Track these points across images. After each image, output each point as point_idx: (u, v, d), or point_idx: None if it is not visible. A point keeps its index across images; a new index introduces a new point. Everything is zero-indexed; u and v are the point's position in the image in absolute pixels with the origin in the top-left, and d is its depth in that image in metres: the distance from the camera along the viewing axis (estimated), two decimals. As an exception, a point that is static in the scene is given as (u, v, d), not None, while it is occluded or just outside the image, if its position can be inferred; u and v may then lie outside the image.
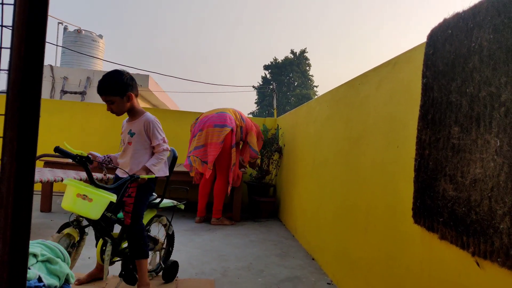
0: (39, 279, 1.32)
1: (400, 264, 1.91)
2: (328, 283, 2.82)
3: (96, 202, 2.04)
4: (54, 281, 1.35)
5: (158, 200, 2.62)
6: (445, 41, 1.56)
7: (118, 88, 2.34)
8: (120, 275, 2.40)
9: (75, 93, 11.53)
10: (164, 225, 2.75)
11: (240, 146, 5.10)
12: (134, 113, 2.46)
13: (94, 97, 11.28)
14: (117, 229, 2.40)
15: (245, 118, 5.00)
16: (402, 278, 1.89)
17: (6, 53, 0.77)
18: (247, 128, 4.95)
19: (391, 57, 2.23)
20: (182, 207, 2.80)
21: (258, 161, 5.56)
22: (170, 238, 2.78)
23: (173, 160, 2.66)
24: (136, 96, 2.47)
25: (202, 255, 3.32)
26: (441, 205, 1.54)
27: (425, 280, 1.68)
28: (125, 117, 2.54)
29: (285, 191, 4.99)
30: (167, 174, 2.57)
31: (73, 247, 2.15)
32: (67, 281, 1.41)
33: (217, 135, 4.55)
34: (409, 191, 1.82)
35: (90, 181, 2.20)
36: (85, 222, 2.28)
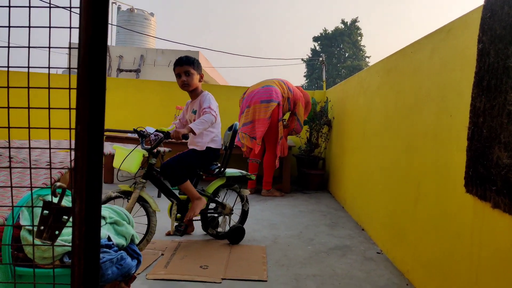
0: (109, 239, 1.48)
1: (450, 234, 1.89)
2: (378, 252, 2.84)
3: (130, 157, 2.54)
4: (122, 241, 1.50)
5: (221, 169, 2.95)
6: (503, 3, 1.48)
7: (198, 65, 2.81)
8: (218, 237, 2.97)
9: (130, 71, 12.01)
10: (241, 200, 3.11)
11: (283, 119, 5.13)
12: (197, 93, 2.85)
13: (148, 75, 11.72)
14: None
15: (292, 88, 4.96)
16: (451, 247, 1.87)
17: (74, 33, 0.86)
18: (295, 98, 4.92)
19: (445, 24, 2.14)
20: (253, 177, 3.16)
21: (314, 138, 5.54)
22: (244, 212, 3.13)
23: (233, 133, 2.86)
24: (203, 79, 2.89)
25: (253, 224, 3.45)
26: (494, 173, 1.51)
27: (476, 249, 1.66)
28: (187, 98, 2.96)
29: (334, 163, 4.99)
30: (219, 147, 2.81)
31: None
32: (132, 241, 1.56)
33: (264, 111, 4.59)
34: (461, 160, 1.78)
35: (146, 149, 2.66)
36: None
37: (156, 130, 2.66)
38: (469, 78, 1.76)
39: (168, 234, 3.01)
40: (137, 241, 1.58)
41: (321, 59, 10.20)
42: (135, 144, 2.71)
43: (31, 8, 0.98)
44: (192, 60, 2.76)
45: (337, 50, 35.48)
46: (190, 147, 2.81)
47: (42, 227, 0.95)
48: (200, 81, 2.81)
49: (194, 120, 2.77)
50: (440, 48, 2.16)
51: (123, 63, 12.34)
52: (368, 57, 35.83)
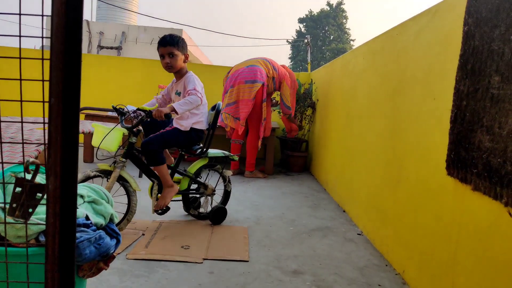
0: (87, 218, 1.44)
1: (431, 215, 1.92)
2: (358, 234, 2.88)
3: (110, 136, 2.48)
4: (100, 220, 1.46)
5: (203, 149, 2.90)
6: (490, -16, 1.46)
7: (182, 45, 2.69)
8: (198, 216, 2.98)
9: (111, 48, 11.71)
10: (224, 181, 3.08)
11: (273, 98, 5.08)
12: (181, 74, 2.76)
13: (129, 52, 11.44)
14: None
15: (277, 67, 4.88)
16: (431, 228, 1.90)
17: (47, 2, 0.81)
18: (280, 77, 4.84)
19: (432, 5, 2.12)
20: (236, 158, 3.12)
21: (297, 120, 5.52)
22: (226, 193, 3.11)
23: (216, 113, 2.81)
24: (188, 58, 2.79)
25: (236, 205, 3.45)
26: (475, 157, 1.52)
27: (455, 230, 1.69)
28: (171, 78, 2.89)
29: (318, 146, 5.01)
30: (203, 128, 2.76)
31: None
32: (111, 220, 1.52)
33: (248, 92, 4.54)
34: (443, 143, 1.80)
35: (126, 127, 2.62)
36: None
37: (138, 109, 2.59)
38: (453, 61, 1.76)
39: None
40: (116, 221, 1.54)
41: (306, 40, 10.13)
42: (116, 123, 2.63)
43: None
44: (176, 40, 2.64)
45: (322, 33, 35.31)
46: (175, 125, 2.75)
47: (14, 205, 0.91)
48: (185, 61, 2.72)
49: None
50: (425, 30, 2.15)
51: (104, 39, 12.02)
52: (353, 40, 35.80)
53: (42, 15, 0.85)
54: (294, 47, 34.06)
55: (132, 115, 2.58)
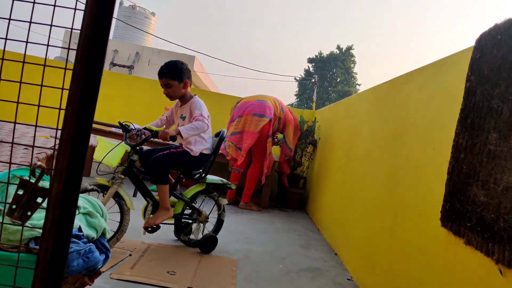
0: (79, 229, 1.44)
1: (422, 265, 1.91)
2: (348, 279, 2.84)
3: (113, 151, 2.48)
4: (92, 233, 1.46)
5: (202, 175, 2.92)
6: (493, 46, 1.53)
7: (178, 74, 2.68)
8: (192, 245, 2.94)
9: (124, 66, 11.93)
10: (218, 209, 3.08)
11: (276, 136, 5.15)
12: (186, 99, 2.80)
13: (141, 72, 11.64)
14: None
15: (285, 109, 5.00)
16: (422, 278, 1.89)
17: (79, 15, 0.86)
18: (285, 120, 4.96)
19: (437, 59, 2.20)
20: (233, 187, 3.09)
21: (298, 157, 5.57)
22: (219, 221, 3.10)
23: (219, 140, 2.85)
24: (190, 85, 2.80)
25: (227, 235, 3.42)
26: (470, 210, 1.53)
27: (446, 282, 1.68)
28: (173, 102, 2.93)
29: (315, 184, 5.01)
30: (205, 153, 2.79)
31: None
32: (103, 234, 1.52)
33: (255, 124, 4.59)
34: (439, 193, 1.81)
35: (130, 145, 2.64)
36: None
37: (145, 128, 2.63)
38: (454, 114, 1.81)
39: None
40: (108, 236, 1.54)
41: (313, 80, 10.32)
42: (118, 139, 2.66)
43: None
44: (170, 71, 2.66)
45: (329, 74, 36.00)
46: (185, 148, 2.77)
47: (14, 206, 0.93)
48: (185, 88, 2.74)
49: (182, 126, 2.75)
50: (430, 82, 2.22)
51: (117, 57, 12.27)
52: (359, 85, 36.45)
53: (72, 28, 0.89)
54: (301, 85, 34.64)
55: (137, 133, 2.61)
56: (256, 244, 3.35)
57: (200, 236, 2.97)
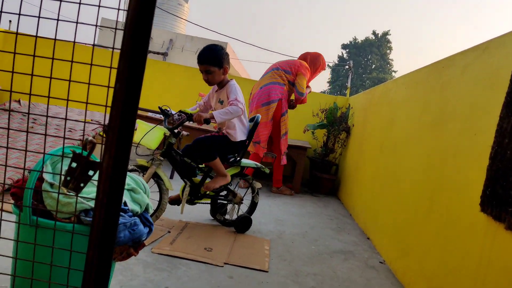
0: (125, 204, 1.52)
1: (458, 251, 1.89)
2: (380, 262, 2.84)
3: (151, 134, 2.60)
4: (136, 208, 1.54)
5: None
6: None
7: (218, 60, 2.70)
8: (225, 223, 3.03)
9: (158, 53, 12.14)
10: (252, 192, 3.14)
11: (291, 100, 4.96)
12: (223, 84, 2.83)
13: (175, 59, 11.81)
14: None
15: (291, 67, 4.75)
16: (458, 265, 1.87)
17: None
18: (296, 72, 4.73)
19: (482, 42, 2.12)
20: (267, 171, 3.14)
21: (330, 143, 5.48)
22: (253, 204, 3.18)
23: (254, 125, 2.90)
24: (228, 70, 2.81)
25: (260, 217, 3.47)
26: (512, 195, 1.50)
27: (483, 268, 1.66)
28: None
29: (348, 171, 4.98)
30: (243, 138, 2.84)
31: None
32: (146, 210, 1.60)
33: (266, 114, 4.53)
34: (480, 179, 1.77)
35: (167, 128, 2.71)
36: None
37: (180, 111, 2.70)
38: (499, 98, 1.75)
39: (172, 200, 2.95)
40: (151, 211, 1.62)
41: (348, 66, 10.15)
42: (155, 124, 2.75)
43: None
44: (211, 58, 2.68)
45: (364, 60, 35.19)
46: (225, 132, 2.85)
47: (68, 178, 0.99)
48: (224, 74, 2.77)
49: None
50: (473, 66, 2.15)
51: (152, 44, 12.49)
52: (395, 72, 35.47)
53: (118, 9, 0.94)
54: (334, 72, 34.09)
55: (176, 117, 2.68)
56: (289, 226, 3.39)
57: (234, 216, 3.05)
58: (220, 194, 2.99)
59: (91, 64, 1.02)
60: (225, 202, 3.03)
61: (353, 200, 4.36)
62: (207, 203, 3.00)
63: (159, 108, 2.76)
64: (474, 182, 1.84)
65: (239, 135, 2.84)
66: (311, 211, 4.12)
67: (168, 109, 2.77)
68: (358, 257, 2.89)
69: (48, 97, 1.04)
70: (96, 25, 1.11)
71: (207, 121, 2.59)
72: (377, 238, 3.23)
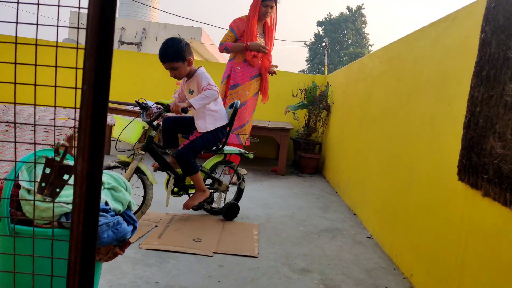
0: (106, 203, 1.51)
1: (441, 219, 1.94)
2: (367, 237, 2.90)
3: (130, 128, 2.58)
4: (118, 206, 1.53)
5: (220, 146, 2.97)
6: (509, -7, 1.48)
7: (180, 55, 2.63)
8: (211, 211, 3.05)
9: (132, 43, 11.89)
10: (238, 179, 3.13)
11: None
12: (191, 74, 2.78)
13: (149, 48, 11.60)
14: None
15: (237, 27, 4.26)
16: (441, 233, 1.92)
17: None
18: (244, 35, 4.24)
19: (450, 12, 2.14)
20: (251, 156, 3.12)
21: (312, 122, 5.50)
22: (240, 190, 3.16)
23: (234, 111, 2.87)
24: (193, 59, 2.76)
25: (247, 202, 3.49)
26: (487, 162, 1.54)
27: (464, 234, 1.71)
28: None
29: (331, 148, 5.03)
30: (218, 125, 2.84)
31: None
32: (129, 207, 1.59)
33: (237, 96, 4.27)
34: (455, 148, 1.82)
35: (146, 121, 2.67)
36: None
37: (156, 102, 2.67)
38: (469, 68, 1.78)
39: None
40: (134, 208, 1.61)
41: (324, 43, 10.13)
42: (134, 117, 2.71)
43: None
44: (172, 54, 2.60)
45: (340, 36, 35.18)
46: (200, 130, 2.79)
47: (43, 184, 0.97)
48: (189, 65, 2.71)
49: None
50: (443, 37, 2.17)
51: (124, 35, 12.22)
52: (371, 45, 35.60)
53: (79, 7, 0.91)
54: (311, 50, 34.03)
55: (154, 110, 2.65)
56: (276, 209, 3.42)
57: (222, 204, 3.06)
58: (206, 183, 2.99)
59: (56, 66, 0.99)
60: (211, 191, 3.03)
61: (338, 177, 4.42)
62: (193, 193, 2.99)
63: (136, 101, 2.72)
64: (451, 151, 1.88)
65: (211, 122, 2.78)
66: (297, 192, 4.16)
67: (145, 101, 2.73)
68: (346, 233, 2.94)
69: (15, 103, 1.01)
70: (58, 26, 1.08)
71: (184, 110, 2.57)
72: (363, 213, 3.30)
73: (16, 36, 1.02)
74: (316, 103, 5.38)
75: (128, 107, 4.97)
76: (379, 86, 3.25)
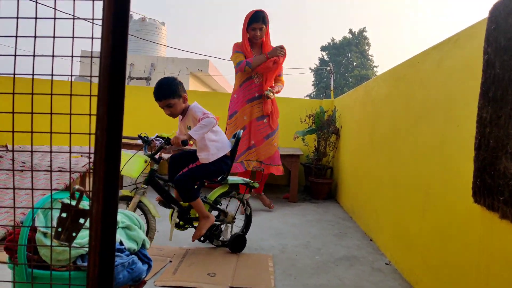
0: (120, 243, 1.51)
1: (459, 243, 1.90)
2: (386, 263, 2.84)
3: (131, 162, 2.57)
4: (133, 245, 1.53)
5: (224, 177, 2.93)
6: (507, 16, 1.50)
7: (175, 92, 2.68)
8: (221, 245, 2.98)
9: (141, 78, 12.16)
10: (243, 205, 3.07)
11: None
12: (185, 111, 2.81)
13: (158, 83, 11.82)
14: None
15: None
16: (460, 256, 1.88)
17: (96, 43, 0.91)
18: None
19: (452, 34, 2.17)
20: (257, 185, 3.06)
21: (322, 147, 5.50)
22: (248, 217, 3.12)
23: (236, 141, 2.87)
24: (187, 96, 2.81)
25: (260, 232, 3.46)
26: (502, 184, 1.52)
27: (485, 258, 1.67)
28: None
29: (343, 172, 4.99)
30: (221, 154, 2.82)
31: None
32: (143, 245, 1.59)
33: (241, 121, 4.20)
34: (469, 170, 1.80)
35: (147, 155, 2.70)
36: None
37: (156, 136, 2.70)
38: (475, 88, 1.78)
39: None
40: (148, 246, 1.61)
41: (329, 68, 10.25)
42: (136, 151, 2.73)
43: (48, 17, 1.02)
44: (169, 92, 2.64)
45: (344, 60, 35.56)
46: (201, 161, 2.78)
47: (60, 229, 0.99)
48: (185, 102, 2.75)
49: None
50: (447, 58, 2.19)
51: (134, 70, 12.51)
52: (376, 67, 35.87)
53: (92, 57, 0.95)
54: (317, 75, 34.37)
55: (157, 143, 2.67)
56: (290, 238, 3.38)
57: (229, 236, 3.01)
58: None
59: (71, 95, 1.03)
60: (218, 223, 2.97)
61: (352, 202, 4.37)
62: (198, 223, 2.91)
63: (139, 136, 2.74)
64: (464, 173, 1.86)
65: (213, 153, 2.75)
66: (311, 219, 4.11)
67: (147, 136, 2.75)
68: (363, 261, 2.89)
69: (31, 132, 1.05)
70: (72, 56, 1.12)
71: (184, 142, 2.58)
72: (379, 239, 3.24)
73: (32, 78, 1.06)
74: (325, 127, 5.39)
75: (140, 142, 5.02)
76: (387, 108, 3.26)
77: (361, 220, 3.86)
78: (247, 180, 3.04)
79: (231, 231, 3.04)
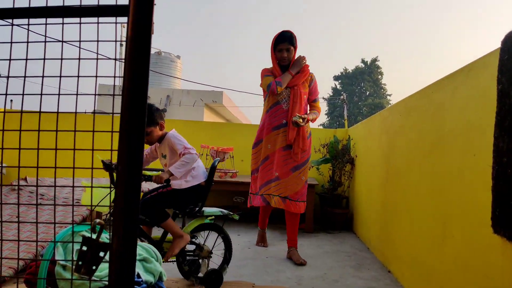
0: (138, 275, 1.52)
1: (479, 274, 1.85)
2: (405, 296, 2.76)
3: (95, 195, 2.30)
4: (150, 278, 1.54)
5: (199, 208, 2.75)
6: (519, 46, 1.52)
7: (152, 120, 2.67)
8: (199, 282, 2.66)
9: (156, 111, 12.40)
10: (219, 234, 2.84)
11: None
12: (162, 137, 2.79)
13: (174, 114, 12.03)
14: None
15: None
16: (483, 290, 1.82)
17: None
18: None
19: (466, 64, 2.19)
20: (237, 217, 2.83)
21: (336, 176, 5.47)
22: (227, 246, 2.85)
23: (211, 170, 2.80)
24: (164, 123, 2.79)
25: (276, 264, 3.42)
26: (522, 214, 1.49)
27: (508, 292, 1.62)
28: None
29: (358, 202, 4.94)
30: (196, 183, 2.72)
31: None
32: (160, 278, 1.59)
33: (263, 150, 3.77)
34: (487, 199, 1.77)
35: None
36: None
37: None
38: (490, 117, 1.78)
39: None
40: (165, 279, 1.61)
41: (342, 97, 10.32)
42: (105, 185, 2.63)
43: (73, 58, 1.09)
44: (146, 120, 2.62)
45: (357, 89, 35.75)
46: (173, 187, 2.68)
47: (80, 262, 1.01)
48: (161, 129, 2.74)
49: (165, 165, 2.75)
50: (461, 88, 2.20)
51: (150, 103, 12.82)
52: (389, 95, 35.92)
53: (113, 95, 0.99)
54: (330, 104, 34.52)
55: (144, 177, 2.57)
56: (307, 269, 3.33)
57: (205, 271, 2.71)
58: (189, 249, 2.74)
59: (93, 131, 1.07)
60: (194, 258, 2.73)
61: (368, 232, 4.29)
62: (173, 261, 2.69)
63: (102, 161, 2.34)
64: (483, 203, 1.83)
65: (187, 180, 2.67)
66: (327, 250, 4.05)
67: (110, 161, 2.36)
68: (382, 293, 2.81)
69: (55, 167, 1.08)
70: (96, 94, 1.17)
71: (167, 181, 2.55)
72: (397, 269, 3.16)
73: (58, 107, 1.11)
74: (339, 157, 5.38)
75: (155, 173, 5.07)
76: (402, 138, 3.25)
77: (378, 251, 3.78)
78: (225, 211, 2.81)
79: (208, 266, 2.73)
